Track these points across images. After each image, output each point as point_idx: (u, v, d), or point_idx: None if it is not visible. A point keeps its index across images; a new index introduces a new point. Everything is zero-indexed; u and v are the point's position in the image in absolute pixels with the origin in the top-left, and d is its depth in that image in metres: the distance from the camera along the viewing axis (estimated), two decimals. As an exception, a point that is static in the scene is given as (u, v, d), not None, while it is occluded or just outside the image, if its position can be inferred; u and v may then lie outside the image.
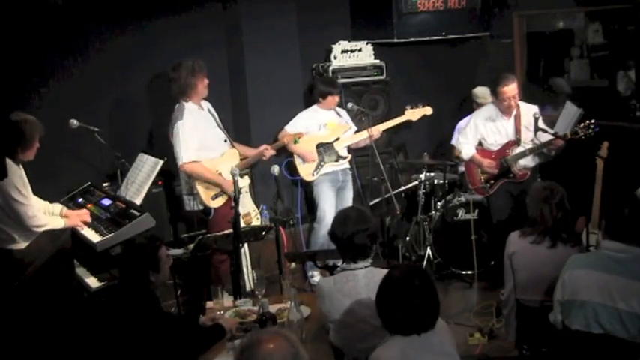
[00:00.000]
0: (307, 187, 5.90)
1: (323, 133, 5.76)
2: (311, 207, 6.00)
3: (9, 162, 4.08)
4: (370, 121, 5.69)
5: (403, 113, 5.82)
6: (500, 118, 5.47)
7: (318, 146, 5.73)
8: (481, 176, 5.61)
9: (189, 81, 4.99)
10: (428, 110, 5.84)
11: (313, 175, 5.73)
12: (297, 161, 5.72)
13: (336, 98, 5.79)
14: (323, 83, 5.83)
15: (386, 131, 5.90)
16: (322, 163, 5.73)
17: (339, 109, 5.91)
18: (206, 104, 5.25)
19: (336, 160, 5.78)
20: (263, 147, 5.38)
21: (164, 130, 5.22)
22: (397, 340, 2.66)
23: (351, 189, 5.90)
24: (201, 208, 5.08)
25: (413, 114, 5.81)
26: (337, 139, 5.77)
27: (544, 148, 5.33)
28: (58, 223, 4.45)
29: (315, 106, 5.83)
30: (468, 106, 6.31)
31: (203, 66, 5.06)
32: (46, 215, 4.48)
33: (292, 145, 5.64)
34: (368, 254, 3.34)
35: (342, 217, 3.40)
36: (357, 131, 5.87)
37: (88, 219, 4.69)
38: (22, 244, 4.22)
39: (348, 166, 5.89)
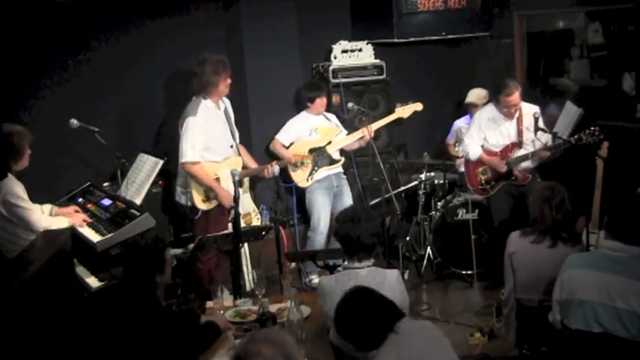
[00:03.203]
0: (301, 194, 5.85)
1: (314, 138, 5.73)
2: (305, 214, 5.96)
3: None
4: (370, 121, 5.69)
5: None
6: (503, 120, 5.46)
7: (311, 151, 5.70)
8: (481, 177, 5.60)
9: (211, 79, 4.92)
10: (418, 106, 5.80)
11: (308, 180, 5.69)
12: (290, 168, 5.68)
13: (324, 100, 5.77)
14: (308, 89, 5.80)
15: (379, 131, 5.89)
16: (316, 168, 5.70)
17: (327, 114, 5.88)
18: (224, 103, 5.21)
19: (330, 164, 5.75)
20: (267, 165, 5.35)
21: (165, 130, 5.23)
22: (388, 347, 2.65)
23: (348, 193, 5.85)
24: (189, 205, 5.06)
25: (403, 111, 5.77)
26: (329, 143, 5.73)
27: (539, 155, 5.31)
28: (62, 223, 4.50)
29: (304, 113, 5.81)
30: (466, 106, 6.32)
31: (228, 64, 5.02)
32: (49, 217, 4.50)
33: (285, 152, 5.62)
34: (373, 253, 3.37)
35: (351, 217, 3.43)
36: (348, 133, 5.84)
37: (85, 217, 4.71)
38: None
39: (341, 170, 5.86)
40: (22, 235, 4.26)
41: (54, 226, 4.36)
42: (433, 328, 2.85)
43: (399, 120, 5.87)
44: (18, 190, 4.22)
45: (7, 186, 4.19)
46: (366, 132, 5.56)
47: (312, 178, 5.69)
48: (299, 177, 5.69)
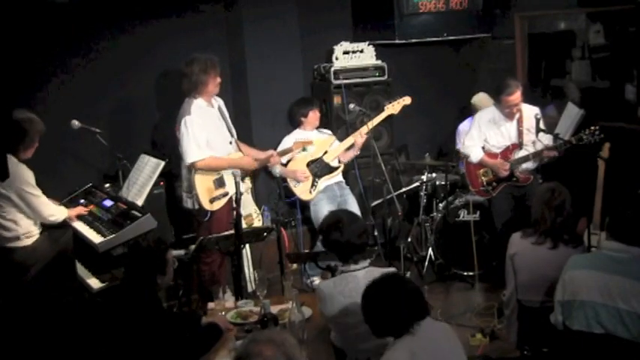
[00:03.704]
0: (306, 208, 5.82)
1: (310, 151, 5.73)
2: (307, 214, 5.93)
3: (14, 159, 4.17)
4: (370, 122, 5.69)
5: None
6: (504, 121, 5.45)
7: (309, 164, 5.69)
8: (483, 178, 5.60)
9: (200, 78, 4.89)
10: (407, 100, 5.80)
11: (311, 192, 5.67)
12: (291, 183, 5.66)
13: (317, 113, 5.80)
14: (300, 105, 5.83)
15: (380, 132, 5.95)
16: (317, 179, 5.69)
17: (320, 129, 5.90)
18: (218, 102, 5.17)
19: (329, 172, 5.74)
20: (270, 152, 5.36)
21: (166, 131, 5.22)
22: (403, 342, 2.65)
23: (353, 201, 5.81)
24: (197, 207, 5.05)
25: (393, 107, 5.77)
26: (325, 153, 5.73)
27: (542, 155, 5.31)
28: (62, 212, 4.58)
29: (297, 130, 5.83)
30: (469, 110, 6.31)
31: (216, 63, 4.98)
32: (52, 205, 4.57)
33: (284, 169, 5.62)
34: (366, 252, 3.38)
35: (333, 222, 3.40)
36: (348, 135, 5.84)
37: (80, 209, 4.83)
38: (26, 242, 4.28)
39: (342, 179, 5.87)
40: (20, 222, 4.30)
41: (56, 215, 4.49)
42: (449, 331, 2.86)
43: (390, 117, 5.87)
44: (30, 177, 4.28)
45: (19, 174, 4.21)
46: (358, 138, 5.62)
47: (314, 190, 5.68)
48: (301, 190, 5.67)
